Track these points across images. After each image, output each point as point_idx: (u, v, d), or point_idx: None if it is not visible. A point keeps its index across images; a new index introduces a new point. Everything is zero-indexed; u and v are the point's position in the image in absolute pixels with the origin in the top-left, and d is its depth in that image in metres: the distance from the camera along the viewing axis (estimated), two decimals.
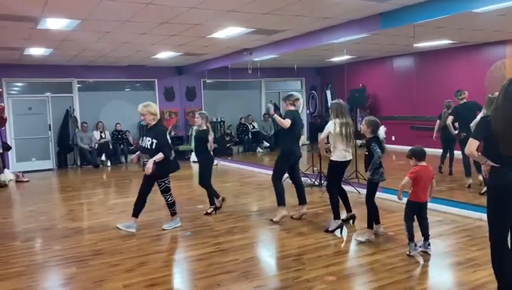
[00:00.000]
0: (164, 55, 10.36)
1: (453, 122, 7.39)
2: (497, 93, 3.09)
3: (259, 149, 13.82)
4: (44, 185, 9.75)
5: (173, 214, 5.58)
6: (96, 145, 11.95)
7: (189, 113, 13.54)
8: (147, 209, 6.10)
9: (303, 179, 8.12)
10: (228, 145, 13.30)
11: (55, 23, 6.43)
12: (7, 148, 10.46)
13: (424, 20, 6.01)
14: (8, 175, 9.73)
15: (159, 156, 5.09)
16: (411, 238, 4.34)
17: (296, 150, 5.78)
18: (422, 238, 4.41)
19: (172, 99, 13.52)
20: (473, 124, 5.59)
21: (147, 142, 5.15)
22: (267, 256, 4.71)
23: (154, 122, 5.22)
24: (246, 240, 5.08)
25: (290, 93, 5.83)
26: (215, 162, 11.82)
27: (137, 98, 12.99)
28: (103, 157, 12.05)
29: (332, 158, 5.26)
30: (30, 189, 9.23)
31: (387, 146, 5.08)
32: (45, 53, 9.26)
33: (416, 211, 4.39)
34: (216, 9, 5.96)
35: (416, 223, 4.41)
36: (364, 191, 7.10)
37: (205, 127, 6.23)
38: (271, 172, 6.01)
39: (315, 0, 5.58)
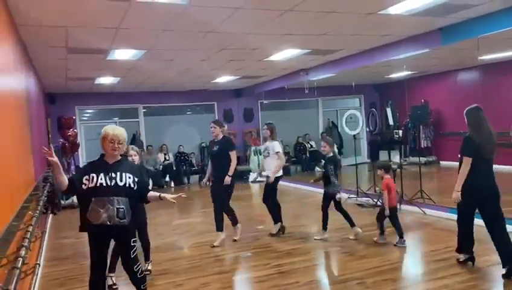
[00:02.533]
0: (223, 79, 10.68)
1: None
2: None
3: (317, 168, 13.69)
4: None
5: None
6: (161, 166, 12.44)
7: (248, 134, 13.83)
8: (209, 229, 6.24)
9: (364, 199, 8.00)
10: (286, 164, 13.31)
11: (122, 54, 6.88)
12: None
13: (488, 33, 5.76)
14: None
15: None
16: (383, 232, 5.50)
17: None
18: (398, 237, 5.35)
19: (231, 121, 13.84)
20: None
21: (127, 179, 3.42)
22: (329, 279, 4.64)
23: (120, 154, 3.60)
24: (307, 262, 5.04)
25: (217, 119, 6.41)
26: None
27: (198, 121, 13.56)
28: (167, 178, 12.52)
29: (277, 176, 6.13)
30: None
31: (455, 164, 4.97)
32: (114, 81, 9.88)
33: (390, 215, 5.35)
34: (272, 34, 6.10)
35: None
36: (428, 211, 6.87)
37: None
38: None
39: (371, 19, 5.55)
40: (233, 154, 5.84)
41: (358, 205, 7.96)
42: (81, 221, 3.41)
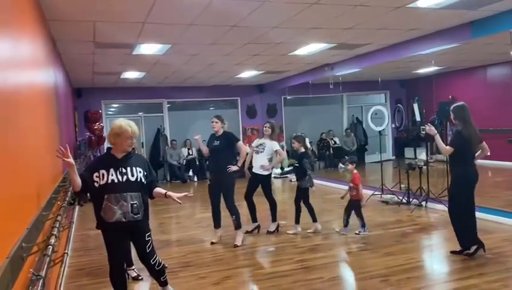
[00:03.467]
0: (247, 74, 10.68)
1: None
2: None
3: (340, 165, 13.58)
4: None
5: (165, 284, 3.72)
6: (184, 161, 12.55)
7: None
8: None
9: (389, 196, 7.89)
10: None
11: (148, 49, 6.94)
12: None
13: None
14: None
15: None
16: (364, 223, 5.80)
17: None
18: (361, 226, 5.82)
19: (254, 117, 13.84)
20: None
21: (138, 173, 3.37)
22: (352, 276, 4.59)
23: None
24: (330, 258, 5.00)
25: (219, 115, 5.99)
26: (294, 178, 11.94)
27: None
28: (190, 173, 12.63)
29: (268, 173, 6.06)
30: None
31: (484, 162, 4.98)
32: (139, 76, 10.00)
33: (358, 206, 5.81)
34: (297, 28, 6.05)
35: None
36: None
37: None
38: None
39: (399, 12, 5.43)
40: (240, 145, 5.75)
41: (383, 202, 7.85)
42: (96, 219, 3.39)
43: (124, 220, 3.27)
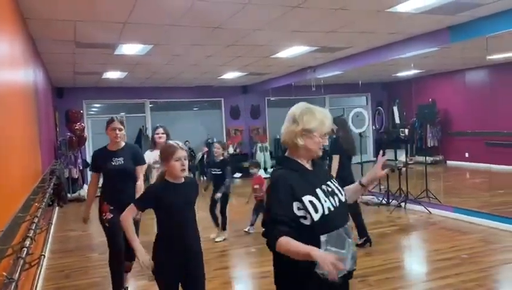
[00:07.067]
0: (230, 75, 10.68)
1: None
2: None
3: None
4: None
5: None
6: None
7: (254, 131, 13.86)
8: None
9: (369, 197, 7.99)
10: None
11: (129, 49, 6.89)
12: (86, 165, 11.23)
13: (498, 32, 5.71)
14: (86, 190, 10.37)
15: None
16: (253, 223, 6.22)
17: None
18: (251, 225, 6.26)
19: (237, 118, 13.85)
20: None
21: (341, 188, 2.25)
22: None
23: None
24: None
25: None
26: None
27: (205, 117, 13.59)
28: None
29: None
30: None
31: (462, 163, 5.06)
32: (121, 76, 9.91)
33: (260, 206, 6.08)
34: (279, 31, 6.08)
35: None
36: (434, 211, 6.84)
37: None
38: None
39: (380, 16, 5.52)
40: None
41: (363, 203, 7.94)
42: (297, 273, 1.96)
43: (355, 267, 1.99)
